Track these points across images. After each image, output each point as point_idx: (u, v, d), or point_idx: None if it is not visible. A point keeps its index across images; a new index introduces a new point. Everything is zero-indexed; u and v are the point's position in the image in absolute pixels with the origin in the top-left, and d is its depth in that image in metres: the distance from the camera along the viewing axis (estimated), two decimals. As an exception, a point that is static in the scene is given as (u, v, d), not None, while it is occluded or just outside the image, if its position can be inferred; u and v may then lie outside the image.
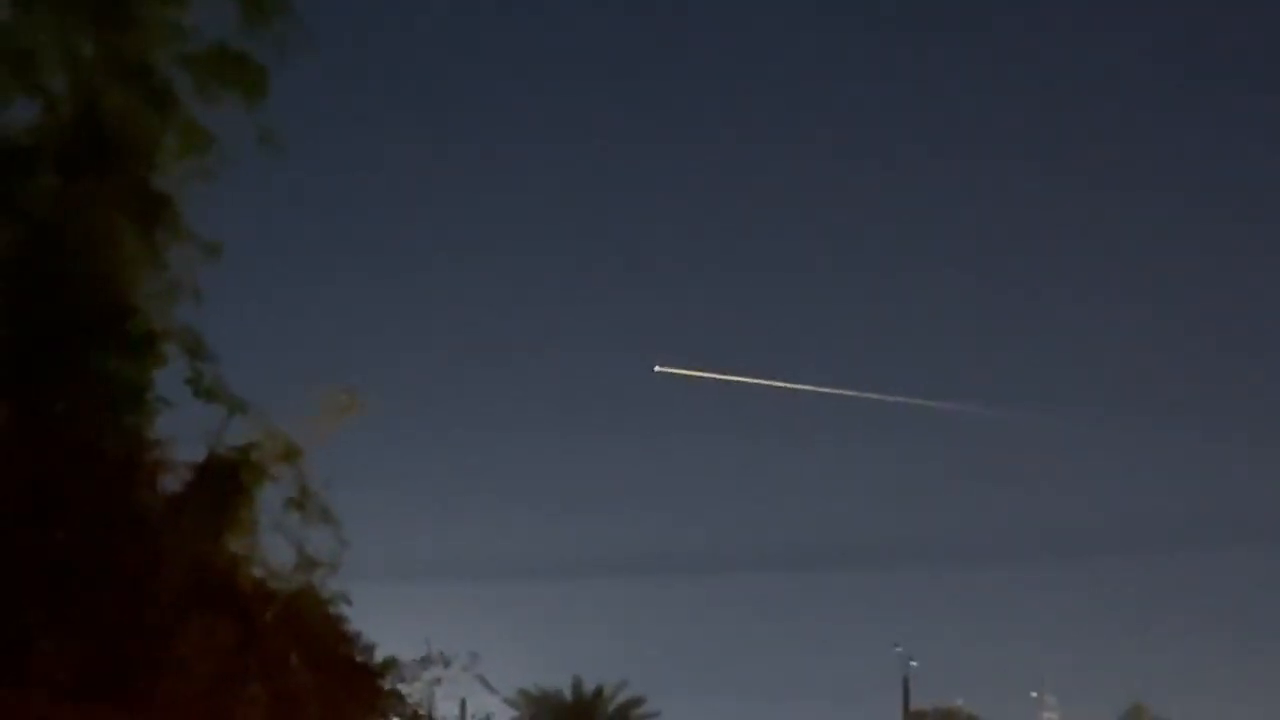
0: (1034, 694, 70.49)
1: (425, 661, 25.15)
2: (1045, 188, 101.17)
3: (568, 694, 65.54)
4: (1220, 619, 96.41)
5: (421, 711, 25.38)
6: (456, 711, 27.55)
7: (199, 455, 23.89)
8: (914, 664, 60.35)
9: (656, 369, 50.80)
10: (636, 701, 68.52)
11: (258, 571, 24.13)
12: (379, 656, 25.20)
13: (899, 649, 60.71)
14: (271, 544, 24.39)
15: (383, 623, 26.82)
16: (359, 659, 24.91)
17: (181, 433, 24.04)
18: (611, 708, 68.32)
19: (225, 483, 23.80)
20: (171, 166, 23.78)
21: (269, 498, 24.25)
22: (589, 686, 65.84)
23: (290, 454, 24.22)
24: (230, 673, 22.34)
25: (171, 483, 23.86)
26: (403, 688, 25.18)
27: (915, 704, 71.60)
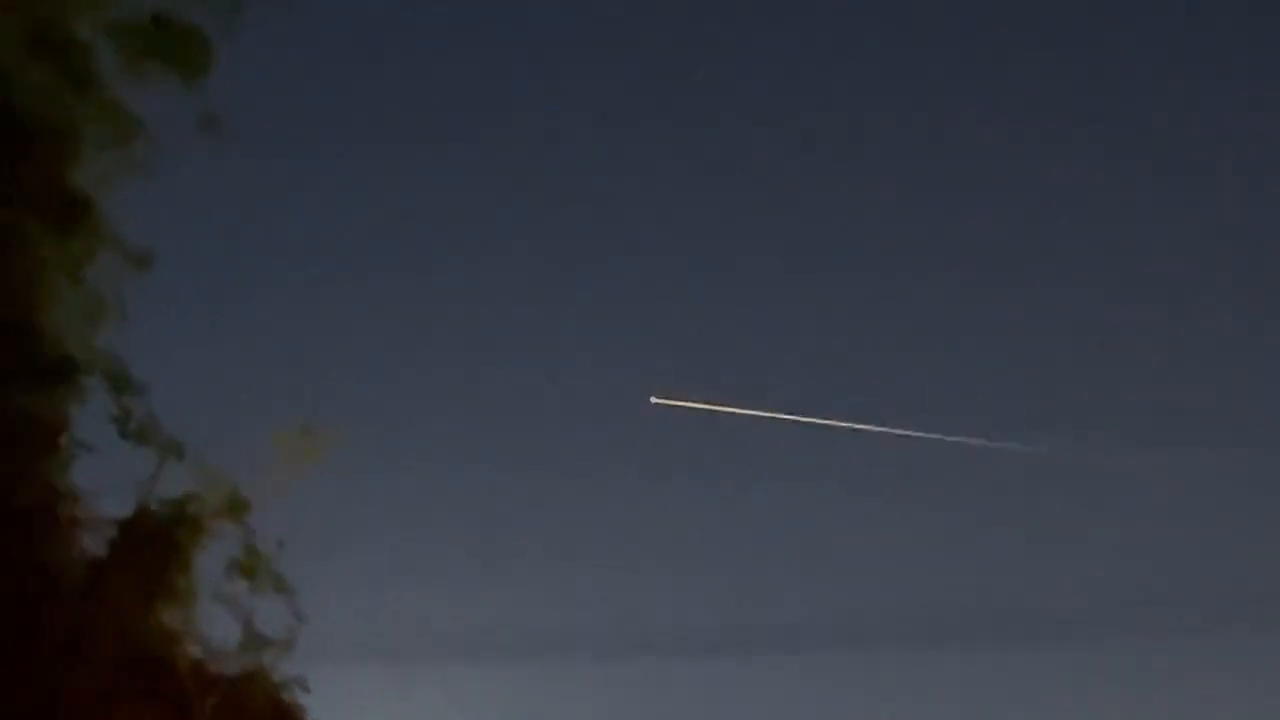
0: None
1: None
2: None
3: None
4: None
5: None
6: None
7: (126, 509, 22.29)
8: None
9: (653, 400, 49.12)
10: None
11: (196, 650, 22.74)
12: None
13: None
14: (213, 617, 22.95)
15: (350, 713, 25.67)
16: None
17: (105, 482, 22.27)
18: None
19: (157, 542, 22.29)
20: (93, 159, 21.76)
21: (210, 561, 22.78)
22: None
23: (236, 508, 22.77)
24: None
25: (93, 542, 22.13)
26: None
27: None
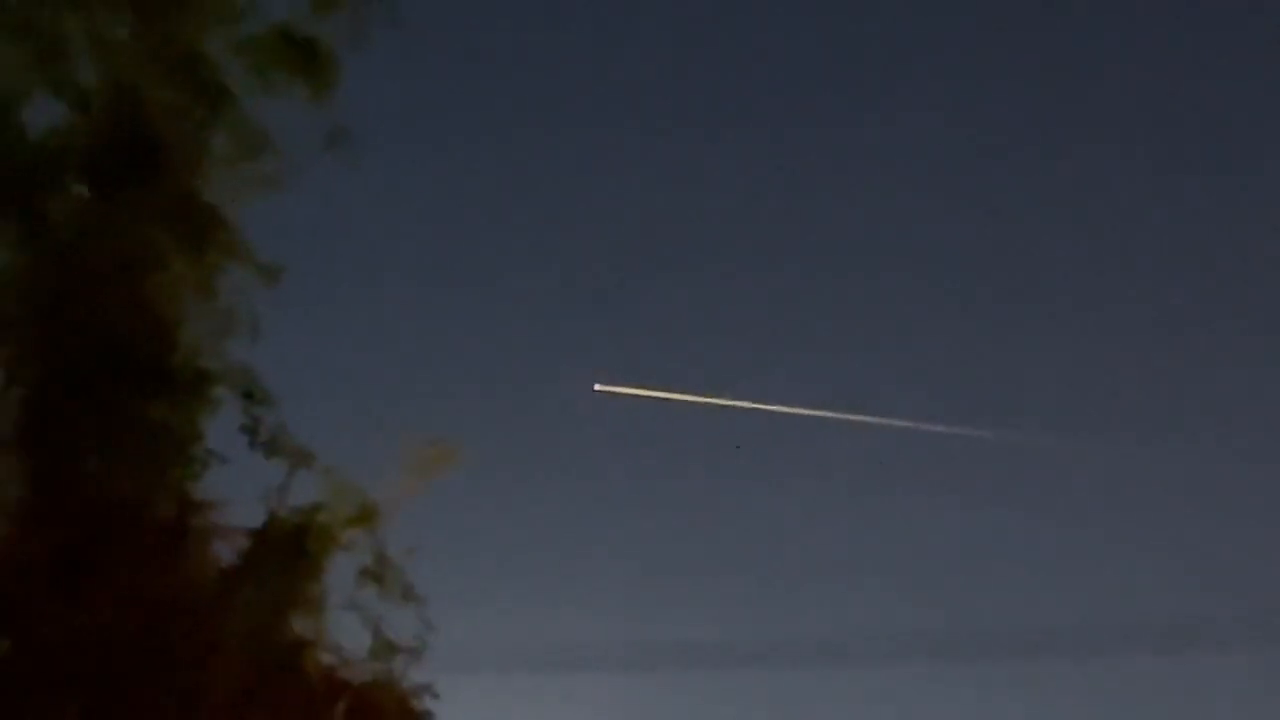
0: None
1: None
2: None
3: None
4: None
5: None
6: None
7: (258, 519, 22.24)
8: None
9: (596, 388, 48.06)
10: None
11: (327, 657, 22.69)
12: None
13: None
14: (343, 625, 22.80)
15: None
16: None
17: (237, 492, 22.25)
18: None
19: (288, 551, 22.23)
20: (224, 174, 21.99)
21: (340, 569, 22.69)
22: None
23: (366, 517, 22.63)
24: None
25: (226, 552, 22.17)
26: None
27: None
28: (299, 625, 22.19)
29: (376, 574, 22.48)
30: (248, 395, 21.77)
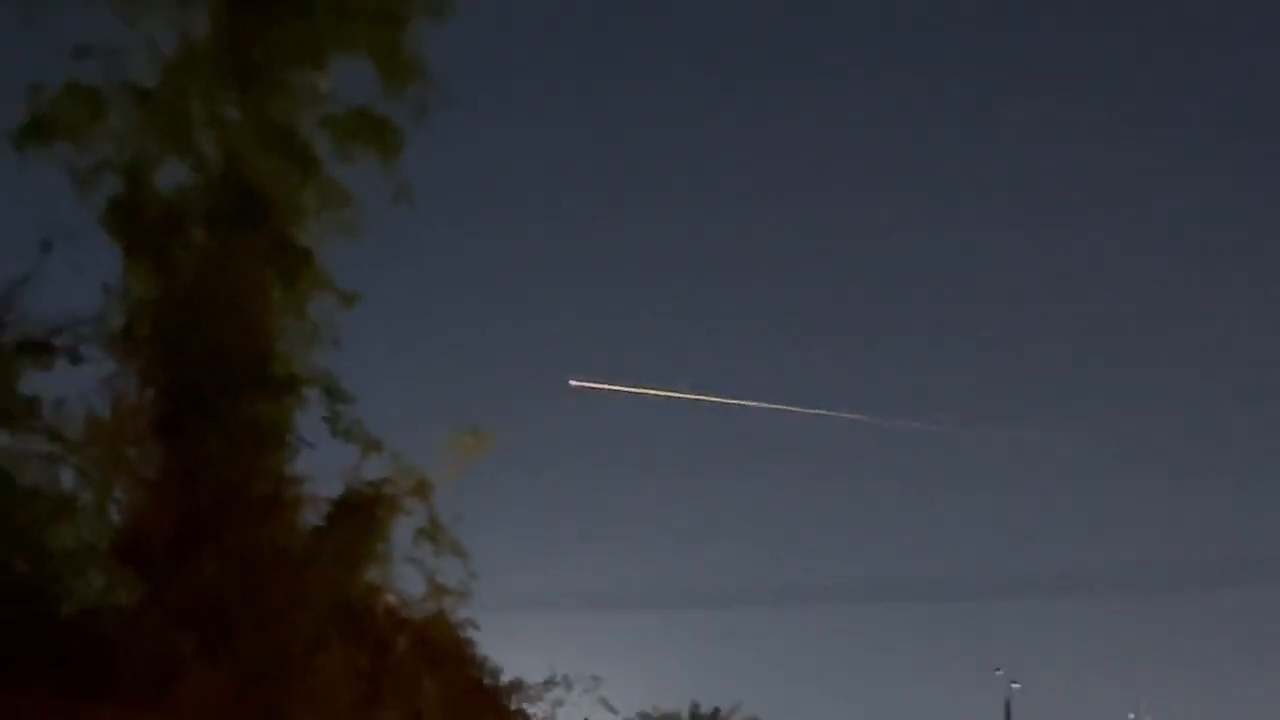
0: (1131, 716, 69.33)
1: (549, 684, 25.56)
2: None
3: (686, 717, 64.71)
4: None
5: None
6: None
7: (337, 491, 23.71)
8: (1016, 686, 58.86)
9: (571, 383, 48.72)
10: (752, 720, 67.72)
11: (391, 600, 24.10)
12: (505, 679, 25.48)
13: (1000, 672, 59.29)
14: (404, 574, 24.21)
15: (509, 649, 26.93)
16: (486, 681, 25.13)
17: (320, 470, 23.83)
18: (730, 729, 67.47)
19: (361, 517, 23.61)
20: (312, 222, 23.65)
21: (402, 531, 24.00)
22: (706, 709, 65.03)
23: (421, 489, 24.00)
24: (367, 698, 22.37)
25: (312, 517, 23.67)
26: (528, 708, 25.46)
27: (1017, 725, 70.59)
28: (369, 574, 23.67)
29: (430, 534, 23.85)
30: (329, 394, 23.45)
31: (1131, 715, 66.91)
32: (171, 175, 23.02)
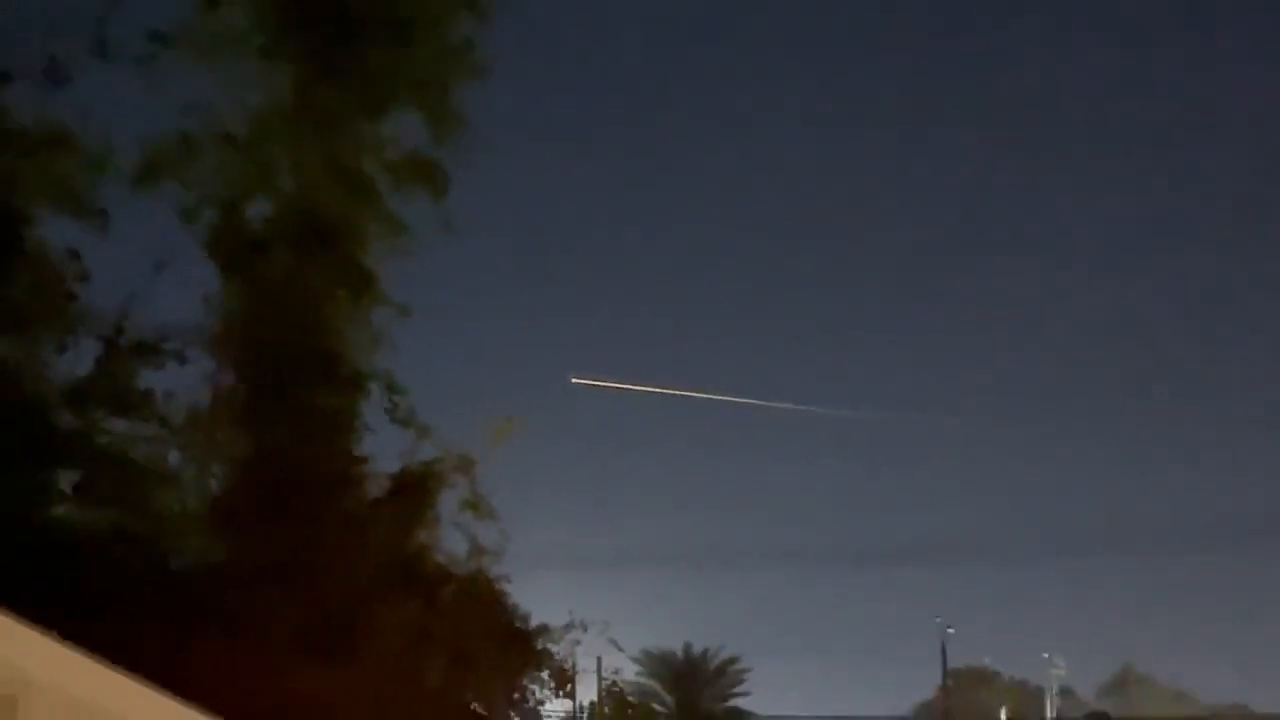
0: (1045, 655, 72.56)
1: (568, 627, 26.64)
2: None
3: (680, 655, 67.56)
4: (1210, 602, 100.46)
5: (566, 667, 26.95)
6: (594, 667, 28.77)
7: (394, 468, 25.06)
8: (950, 631, 61.72)
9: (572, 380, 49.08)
10: (732, 660, 70.46)
11: (439, 558, 25.13)
12: (532, 624, 26.54)
13: (939, 620, 62.26)
14: (449, 537, 25.52)
15: (535, 599, 27.97)
16: (517, 625, 26.16)
17: (381, 451, 25.19)
18: (713, 666, 70.51)
19: (414, 490, 24.90)
20: (373, 247, 25.02)
21: (448, 501, 25.34)
22: (697, 650, 67.66)
23: (464, 466, 25.25)
24: (418, 638, 23.47)
25: (373, 490, 25.00)
26: (551, 647, 26.53)
27: (951, 664, 73.38)
28: (421, 536, 25.02)
29: (471, 503, 25.15)
30: (388, 388, 24.89)
31: (1046, 654, 70.39)
32: (258, 208, 24.56)
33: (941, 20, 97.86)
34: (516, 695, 26.42)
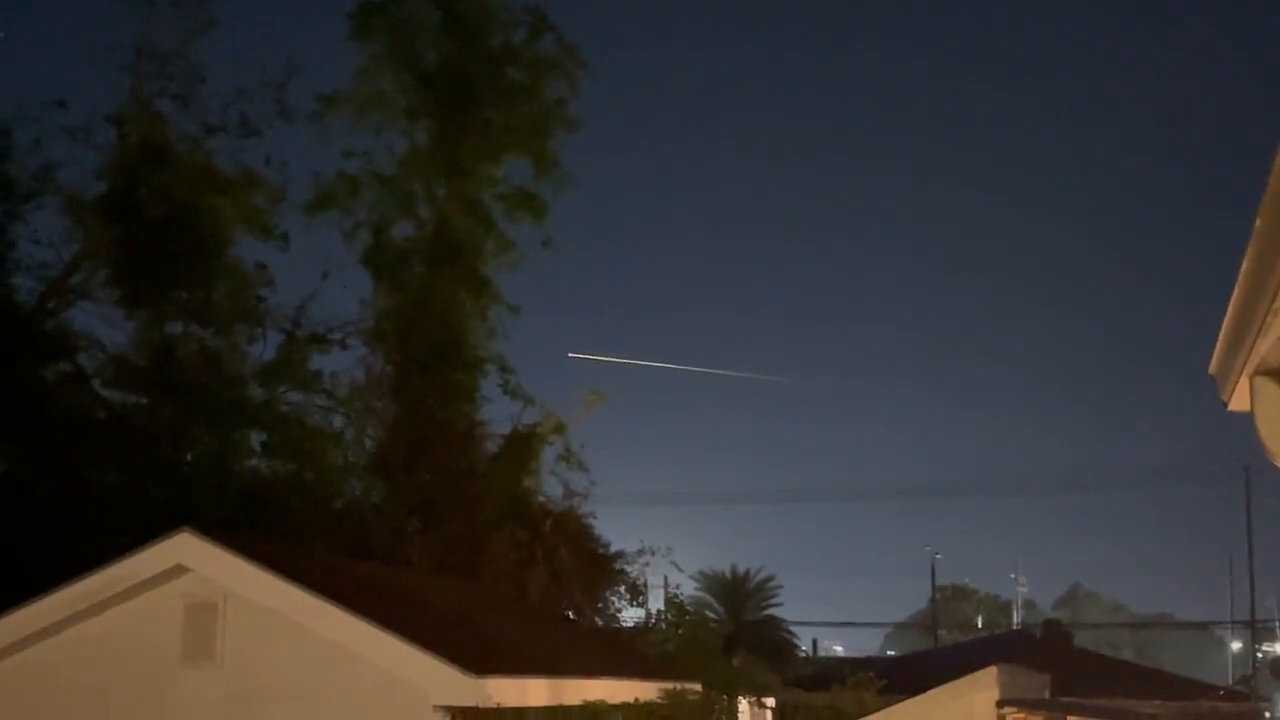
0: (1012, 575, 72.44)
1: (640, 553, 26.15)
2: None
3: (728, 574, 67.47)
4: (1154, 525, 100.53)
5: (639, 583, 26.33)
6: (661, 584, 28.15)
7: (506, 430, 25.11)
8: (939, 556, 61.41)
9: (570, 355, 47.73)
10: (770, 578, 70.17)
11: (541, 499, 25.06)
12: (612, 549, 26.17)
13: (928, 547, 61.99)
14: (549, 482, 25.30)
15: (615, 530, 28.86)
16: (600, 551, 25.80)
17: (496, 416, 25.21)
18: (753, 583, 70.35)
19: (522, 445, 24.73)
20: (490, 261, 25.02)
21: (548, 455, 25.13)
22: (740, 570, 67.53)
23: (560, 429, 25.05)
24: (525, 560, 23.20)
25: (490, 446, 25.05)
26: (627, 568, 26.13)
27: (939, 582, 73.39)
28: (527, 482, 24.74)
29: (566, 457, 24.86)
30: (501, 369, 24.93)
31: (1013, 575, 70.04)
32: (402, 230, 24.70)
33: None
34: (600, 604, 25.69)
